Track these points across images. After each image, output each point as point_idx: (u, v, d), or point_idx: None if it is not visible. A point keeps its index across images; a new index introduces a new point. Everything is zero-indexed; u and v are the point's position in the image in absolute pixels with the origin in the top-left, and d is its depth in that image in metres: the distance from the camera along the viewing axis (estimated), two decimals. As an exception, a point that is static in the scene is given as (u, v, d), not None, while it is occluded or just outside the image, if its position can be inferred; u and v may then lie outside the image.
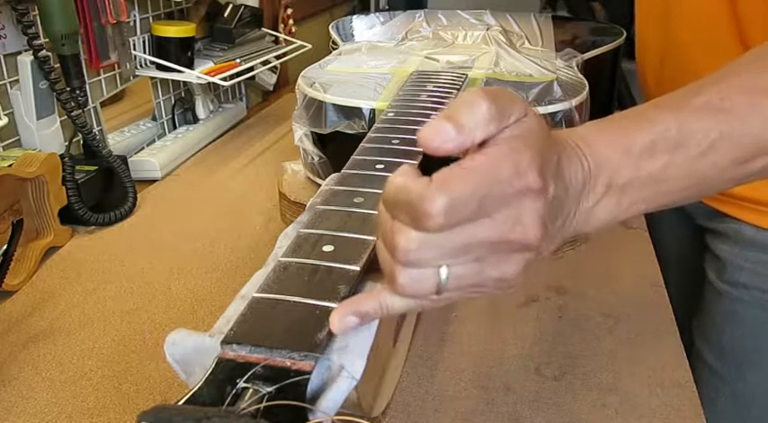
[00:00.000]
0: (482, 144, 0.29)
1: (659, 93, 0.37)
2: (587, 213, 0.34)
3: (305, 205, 0.47)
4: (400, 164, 0.46)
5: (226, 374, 0.27)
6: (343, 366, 0.28)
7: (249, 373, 0.27)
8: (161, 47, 0.94)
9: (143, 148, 0.96)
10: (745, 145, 0.34)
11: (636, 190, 0.34)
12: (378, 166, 0.46)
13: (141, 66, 0.94)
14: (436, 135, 0.28)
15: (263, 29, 1.14)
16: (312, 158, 0.72)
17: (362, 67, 0.79)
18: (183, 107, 1.07)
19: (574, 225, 0.33)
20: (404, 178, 0.29)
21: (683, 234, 0.79)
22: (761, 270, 0.65)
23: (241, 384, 0.26)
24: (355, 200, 0.41)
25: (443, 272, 0.29)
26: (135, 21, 0.92)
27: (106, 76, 0.88)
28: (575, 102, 0.65)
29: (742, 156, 0.34)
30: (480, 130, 0.29)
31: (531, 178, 0.28)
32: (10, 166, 0.65)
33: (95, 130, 0.85)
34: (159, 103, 1.02)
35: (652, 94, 0.76)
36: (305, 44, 1.19)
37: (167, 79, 0.99)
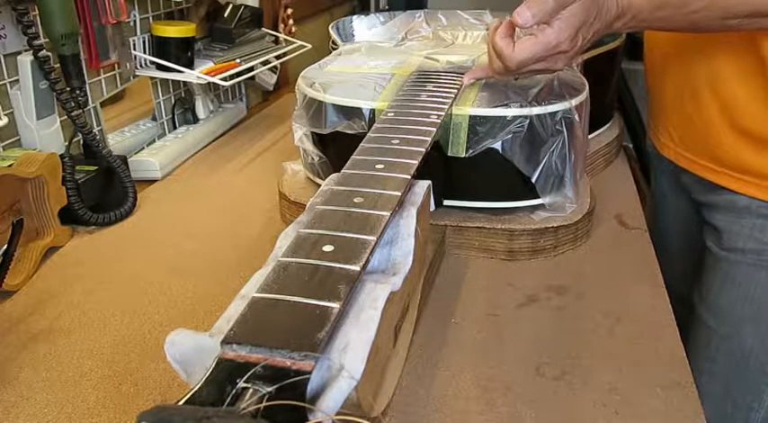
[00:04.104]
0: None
1: (662, 75, 0.62)
2: (615, 29, 0.60)
3: (305, 205, 0.47)
4: (400, 164, 0.46)
5: (226, 374, 0.27)
6: (343, 366, 0.28)
7: (249, 373, 0.27)
8: (161, 47, 0.94)
9: (143, 148, 0.96)
10: (728, 9, 0.57)
11: (648, 23, 0.60)
12: (378, 166, 0.46)
13: (141, 66, 0.94)
14: (520, 17, 0.54)
15: (263, 29, 1.14)
16: (312, 158, 0.72)
17: (362, 67, 0.79)
18: (182, 107, 1.07)
19: (603, 33, 0.60)
20: (500, 42, 0.59)
21: (683, 211, 0.85)
22: (756, 234, 0.71)
23: (241, 384, 0.26)
24: (355, 200, 0.41)
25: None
26: (135, 21, 0.92)
27: (106, 76, 0.88)
28: (575, 102, 0.65)
29: (725, 15, 0.58)
30: (545, 18, 0.55)
31: (564, 46, 0.57)
32: (10, 166, 0.65)
33: (95, 130, 0.85)
34: (159, 103, 1.02)
35: (656, 76, 0.80)
36: (305, 44, 1.19)
37: (167, 79, 0.99)
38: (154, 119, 1.01)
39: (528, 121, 0.62)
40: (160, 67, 0.94)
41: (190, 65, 0.95)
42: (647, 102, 0.85)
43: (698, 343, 0.77)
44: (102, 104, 0.88)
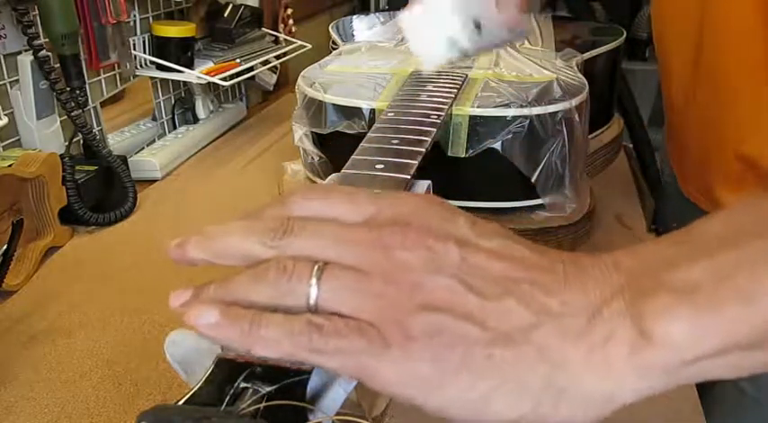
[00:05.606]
0: None
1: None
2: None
3: (305, 205, 0.47)
4: (400, 164, 0.46)
5: (226, 374, 0.27)
6: (343, 366, 0.28)
7: (249, 373, 0.27)
8: (161, 47, 0.94)
9: (143, 148, 0.96)
10: None
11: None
12: (378, 166, 0.46)
13: (141, 66, 0.94)
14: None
15: (263, 29, 1.14)
16: (312, 158, 0.72)
17: (362, 67, 0.79)
18: (182, 107, 1.06)
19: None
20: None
21: None
22: None
23: (241, 384, 0.26)
24: (355, 200, 0.41)
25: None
26: (135, 21, 0.92)
27: (106, 76, 0.88)
28: (575, 102, 0.65)
29: None
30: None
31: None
32: (10, 166, 0.65)
33: (95, 130, 0.85)
34: (159, 103, 1.02)
35: (678, 89, 0.73)
36: (305, 44, 1.19)
37: (167, 79, 0.99)
38: (154, 119, 1.01)
39: (528, 121, 0.62)
40: (160, 67, 0.94)
41: (190, 65, 0.95)
42: (665, 139, 0.81)
43: (725, 399, 0.72)
44: (102, 104, 0.88)
